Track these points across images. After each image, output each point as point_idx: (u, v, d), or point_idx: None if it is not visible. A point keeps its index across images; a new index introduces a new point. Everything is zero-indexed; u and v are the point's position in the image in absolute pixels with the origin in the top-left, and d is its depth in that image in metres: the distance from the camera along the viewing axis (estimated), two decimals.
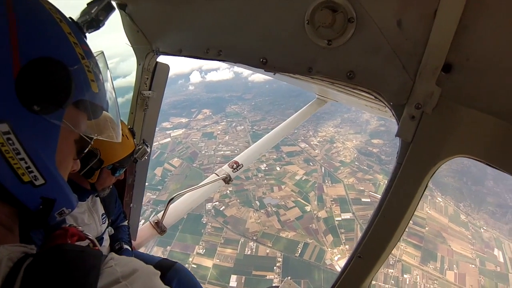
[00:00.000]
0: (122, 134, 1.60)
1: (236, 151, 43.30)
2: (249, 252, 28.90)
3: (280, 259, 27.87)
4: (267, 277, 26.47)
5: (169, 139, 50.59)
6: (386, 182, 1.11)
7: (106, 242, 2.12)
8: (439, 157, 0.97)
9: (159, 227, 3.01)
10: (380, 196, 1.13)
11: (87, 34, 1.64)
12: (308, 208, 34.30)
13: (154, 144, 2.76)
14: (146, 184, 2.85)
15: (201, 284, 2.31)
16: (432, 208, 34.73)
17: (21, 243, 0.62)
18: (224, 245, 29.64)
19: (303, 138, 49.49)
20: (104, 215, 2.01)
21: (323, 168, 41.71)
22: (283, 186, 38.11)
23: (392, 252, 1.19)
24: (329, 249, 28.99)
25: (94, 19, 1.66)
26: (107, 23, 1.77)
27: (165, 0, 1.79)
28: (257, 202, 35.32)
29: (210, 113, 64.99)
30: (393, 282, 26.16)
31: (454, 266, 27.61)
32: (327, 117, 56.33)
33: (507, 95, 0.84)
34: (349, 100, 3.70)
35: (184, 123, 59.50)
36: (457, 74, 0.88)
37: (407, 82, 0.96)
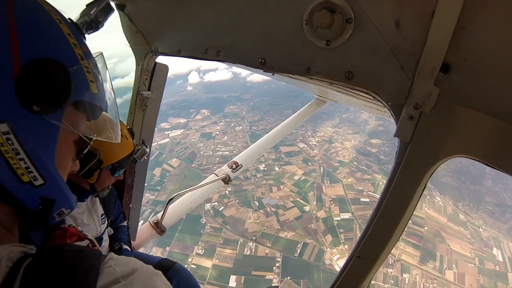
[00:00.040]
0: (121, 135, 1.60)
1: (234, 152, 43.39)
2: (248, 252, 28.92)
3: (279, 259, 27.91)
4: (267, 277, 26.50)
5: (167, 140, 50.59)
6: (385, 182, 1.11)
7: (106, 242, 2.11)
8: (437, 157, 0.97)
9: (158, 227, 3.01)
10: (379, 196, 1.13)
11: (86, 35, 1.63)
12: (307, 208, 34.37)
13: (152, 144, 2.76)
14: (145, 184, 2.85)
15: (201, 285, 2.31)
16: (431, 207, 34.85)
17: (21, 243, 0.62)
18: (223, 246, 29.65)
19: (301, 138, 49.58)
20: (104, 216, 2.01)
21: (322, 168, 41.79)
22: (282, 186, 38.16)
23: (391, 251, 1.19)
24: (328, 249, 29.05)
25: (93, 20, 1.66)
26: (105, 23, 1.77)
27: (164, 1, 1.79)
28: (256, 202, 35.34)
29: (209, 114, 65.09)
30: (392, 281, 26.23)
31: (453, 265, 27.72)
32: (326, 117, 56.43)
33: (505, 95, 0.84)
34: (348, 100, 3.70)
35: (183, 123, 59.53)
36: (455, 74, 0.88)
37: (405, 82, 0.97)
